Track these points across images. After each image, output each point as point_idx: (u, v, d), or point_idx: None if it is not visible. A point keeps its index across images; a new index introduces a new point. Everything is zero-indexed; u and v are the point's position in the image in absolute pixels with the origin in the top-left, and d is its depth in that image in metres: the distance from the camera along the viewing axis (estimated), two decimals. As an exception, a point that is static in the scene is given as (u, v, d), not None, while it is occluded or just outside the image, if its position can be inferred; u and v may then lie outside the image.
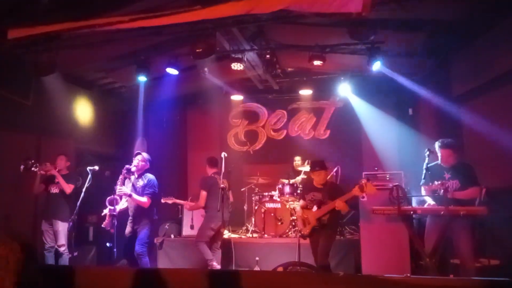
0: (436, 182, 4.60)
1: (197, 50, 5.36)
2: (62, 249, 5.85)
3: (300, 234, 5.33)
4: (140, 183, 5.62)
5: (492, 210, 4.18)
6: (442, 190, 4.44)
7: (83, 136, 7.11)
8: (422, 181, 4.71)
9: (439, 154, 4.68)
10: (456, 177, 4.55)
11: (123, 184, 5.55)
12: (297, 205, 5.62)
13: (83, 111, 6.89)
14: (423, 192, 4.76)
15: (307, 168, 7.64)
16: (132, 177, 5.65)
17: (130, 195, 5.41)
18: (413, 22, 5.67)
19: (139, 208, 5.48)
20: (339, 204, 4.85)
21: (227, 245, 6.40)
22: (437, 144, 4.70)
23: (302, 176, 7.71)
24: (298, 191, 7.27)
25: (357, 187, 4.82)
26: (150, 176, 5.68)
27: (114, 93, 8.29)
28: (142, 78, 6.78)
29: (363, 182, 4.79)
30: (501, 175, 5.18)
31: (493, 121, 5.53)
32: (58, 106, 6.57)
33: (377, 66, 6.09)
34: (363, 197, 5.41)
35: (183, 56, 6.40)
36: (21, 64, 6.07)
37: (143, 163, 5.68)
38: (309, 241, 5.26)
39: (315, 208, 5.11)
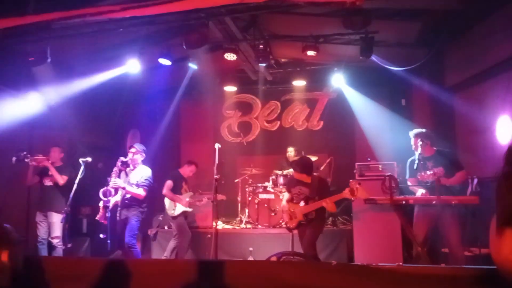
0: (428, 172, 4.64)
1: (190, 40, 5.32)
2: (55, 241, 5.82)
3: (286, 226, 5.33)
4: (136, 173, 5.63)
5: (483, 200, 4.22)
6: (434, 179, 4.49)
7: (75, 128, 7.05)
8: (407, 174, 4.80)
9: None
10: (439, 164, 4.63)
11: (118, 176, 5.54)
12: (283, 201, 5.49)
13: (75, 102, 6.81)
14: (409, 184, 4.84)
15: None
16: (127, 169, 5.65)
17: (124, 188, 5.41)
18: (407, 11, 5.67)
19: (129, 198, 5.49)
20: (328, 204, 4.79)
21: (221, 236, 6.40)
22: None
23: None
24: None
25: (347, 190, 4.76)
26: (146, 167, 5.70)
27: (106, 83, 8.21)
28: (134, 69, 6.72)
29: (354, 186, 4.72)
30: (494, 164, 5.21)
31: (486, 111, 5.57)
32: (49, 97, 6.50)
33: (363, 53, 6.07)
34: (353, 200, 5.37)
35: (176, 47, 6.34)
36: (12, 54, 5.99)
37: (138, 155, 5.68)
38: (297, 232, 5.26)
39: (302, 203, 5.04)
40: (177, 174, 6.61)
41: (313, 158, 6.99)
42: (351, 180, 4.92)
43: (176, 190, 6.43)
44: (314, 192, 4.99)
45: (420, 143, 4.65)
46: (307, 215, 5.00)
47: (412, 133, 4.82)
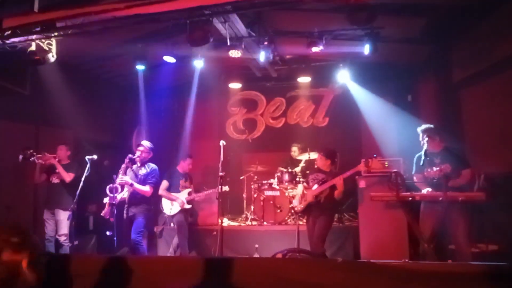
0: (430, 169, 4.61)
1: (194, 37, 5.30)
2: (62, 238, 5.86)
3: (293, 210, 5.48)
4: (143, 171, 5.67)
5: (490, 196, 4.19)
6: (440, 176, 4.45)
7: (81, 126, 7.09)
8: (416, 168, 4.77)
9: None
10: (446, 161, 4.60)
11: (125, 173, 5.57)
12: (299, 185, 5.76)
13: (81, 100, 6.84)
14: (415, 179, 4.82)
15: (305, 156, 7.65)
16: (134, 166, 5.68)
17: (131, 184, 5.43)
18: (413, 6, 5.61)
19: (136, 195, 5.51)
20: (340, 180, 4.96)
21: (226, 233, 6.43)
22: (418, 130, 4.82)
23: (302, 165, 7.71)
24: (297, 179, 7.29)
25: (362, 162, 4.98)
26: (152, 165, 5.76)
27: (112, 81, 8.24)
28: (139, 67, 6.74)
29: (368, 159, 4.99)
30: (501, 161, 5.18)
31: (493, 107, 5.52)
32: (55, 95, 6.53)
33: (368, 50, 6.04)
34: (365, 175, 5.52)
35: (180, 44, 6.34)
36: (17, 53, 6.01)
37: (146, 153, 5.72)
38: (306, 227, 5.33)
39: (315, 186, 5.22)
40: (173, 172, 6.58)
41: (319, 155, 6.99)
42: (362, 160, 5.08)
43: (173, 188, 6.43)
44: (329, 177, 5.16)
45: (426, 139, 4.63)
46: (317, 196, 5.17)
47: (420, 129, 4.80)
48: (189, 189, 6.53)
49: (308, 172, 6.88)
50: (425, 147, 4.63)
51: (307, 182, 5.51)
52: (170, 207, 6.35)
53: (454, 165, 4.55)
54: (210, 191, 6.56)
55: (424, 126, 4.80)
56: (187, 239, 6.33)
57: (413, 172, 4.88)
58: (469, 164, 4.60)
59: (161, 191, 6.37)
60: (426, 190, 4.60)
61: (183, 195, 6.41)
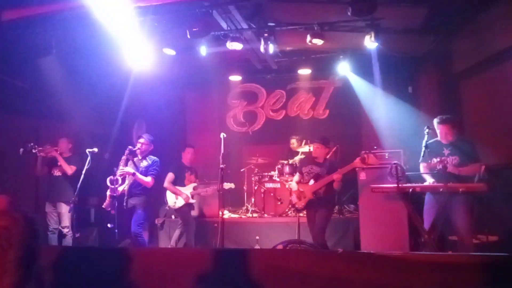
0: (435, 159, 4.59)
1: (194, 29, 5.29)
2: (66, 230, 5.91)
3: (294, 207, 5.47)
4: (144, 163, 5.67)
5: (491, 187, 4.19)
6: (440, 167, 4.45)
7: (81, 118, 7.07)
8: (421, 158, 4.71)
9: (437, 131, 4.64)
10: (455, 153, 4.53)
11: (126, 165, 5.58)
12: (292, 182, 5.70)
13: (81, 93, 6.82)
14: (421, 169, 4.77)
15: (305, 149, 7.65)
16: (135, 158, 5.68)
17: (133, 174, 5.45)
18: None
19: (136, 187, 5.52)
20: (338, 175, 4.94)
21: (227, 225, 6.46)
22: (435, 121, 4.65)
23: (300, 156, 7.72)
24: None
25: (358, 159, 4.96)
26: (154, 158, 5.74)
27: (111, 74, 8.20)
28: (139, 59, 6.70)
29: (365, 155, 4.95)
30: (501, 151, 5.18)
31: (494, 98, 5.52)
32: (55, 88, 6.51)
33: (373, 43, 6.01)
34: (364, 167, 5.47)
35: (180, 36, 6.30)
36: (17, 46, 5.99)
37: (146, 145, 5.71)
38: (306, 219, 5.35)
39: (312, 181, 5.20)
40: (179, 165, 6.49)
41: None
42: (362, 152, 5.09)
43: (179, 181, 6.34)
44: (324, 170, 5.16)
45: (448, 128, 4.54)
46: (316, 192, 5.16)
47: (440, 119, 4.59)
48: (195, 184, 6.45)
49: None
50: (438, 137, 4.58)
51: (301, 173, 5.48)
52: (174, 200, 6.30)
53: (463, 157, 4.46)
54: (216, 187, 6.32)
55: (445, 116, 4.63)
56: (194, 232, 6.29)
57: (420, 161, 4.72)
58: (478, 159, 4.48)
59: (167, 183, 6.28)
60: (432, 181, 4.57)
61: (188, 190, 6.34)
